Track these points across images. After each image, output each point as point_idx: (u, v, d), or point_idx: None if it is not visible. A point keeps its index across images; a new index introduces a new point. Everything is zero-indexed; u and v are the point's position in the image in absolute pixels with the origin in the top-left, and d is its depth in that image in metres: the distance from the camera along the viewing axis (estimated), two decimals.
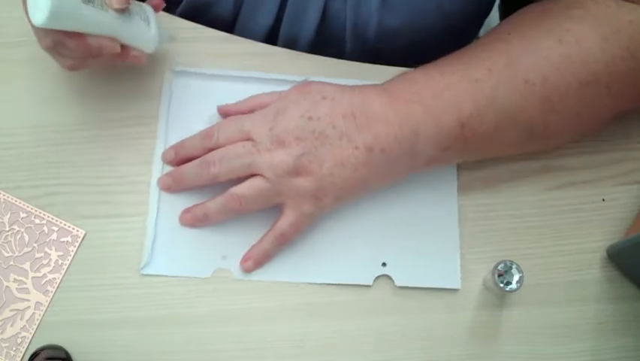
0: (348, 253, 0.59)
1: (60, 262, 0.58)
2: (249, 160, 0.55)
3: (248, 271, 0.58)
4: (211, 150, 0.57)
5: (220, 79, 0.63)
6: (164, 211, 0.59)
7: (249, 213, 0.57)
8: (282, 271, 0.59)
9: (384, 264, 0.59)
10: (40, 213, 0.59)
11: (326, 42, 0.68)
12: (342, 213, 0.59)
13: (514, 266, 0.55)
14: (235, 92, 0.61)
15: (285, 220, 0.57)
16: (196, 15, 0.67)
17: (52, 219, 0.59)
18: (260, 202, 0.56)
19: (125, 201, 0.60)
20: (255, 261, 0.58)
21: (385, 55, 0.66)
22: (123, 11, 0.53)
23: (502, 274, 0.55)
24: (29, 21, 0.51)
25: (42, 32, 0.52)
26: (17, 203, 0.59)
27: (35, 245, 0.58)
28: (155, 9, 0.57)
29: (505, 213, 0.62)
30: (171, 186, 0.59)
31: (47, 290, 0.57)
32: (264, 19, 0.68)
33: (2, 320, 0.57)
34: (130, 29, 0.54)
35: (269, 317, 0.58)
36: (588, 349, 0.59)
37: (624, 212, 0.62)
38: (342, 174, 0.55)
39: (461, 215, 0.61)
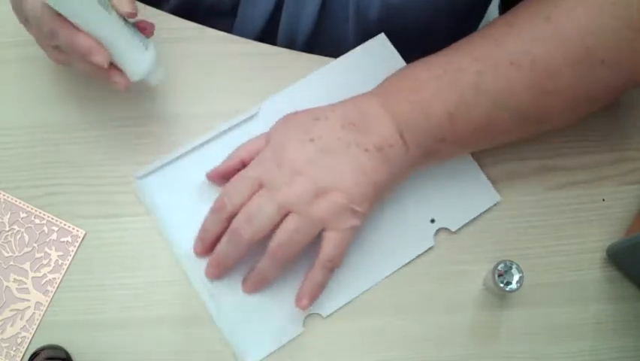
0: (395, 232, 0.60)
1: (60, 262, 0.58)
2: (274, 205, 0.54)
3: (304, 308, 0.57)
4: (231, 218, 0.55)
5: (186, 155, 0.61)
6: (222, 306, 0.57)
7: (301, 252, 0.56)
8: (353, 286, 0.58)
9: (432, 220, 0.60)
10: (40, 213, 0.59)
11: (329, 23, 0.67)
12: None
13: (514, 266, 0.55)
14: (208, 157, 0.60)
15: (329, 244, 0.55)
16: (193, 3, 0.67)
17: (52, 219, 0.59)
18: (303, 239, 0.54)
19: (125, 201, 0.60)
20: (310, 296, 0.56)
21: (390, 36, 0.65)
22: (128, 17, 0.53)
23: (502, 274, 0.55)
24: (20, 14, 0.52)
25: (44, 17, 0.51)
26: (17, 203, 0.59)
27: (35, 245, 0.58)
28: (143, 31, 0.55)
29: (505, 213, 0.62)
30: (218, 273, 0.58)
31: (47, 290, 0.57)
32: (265, 3, 0.67)
33: (2, 320, 0.57)
34: (125, 44, 0.53)
35: None
36: (588, 349, 0.59)
37: (624, 212, 0.62)
38: (366, 180, 0.54)
39: None
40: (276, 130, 0.57)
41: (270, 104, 0.62)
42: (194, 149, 0.61)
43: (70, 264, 0.58)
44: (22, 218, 0.59)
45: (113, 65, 0.54)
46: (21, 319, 0.57)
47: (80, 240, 0.59)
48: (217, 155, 0.60)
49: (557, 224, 0.62)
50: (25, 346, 0.56)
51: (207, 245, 0.57)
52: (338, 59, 0.64)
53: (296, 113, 0.57)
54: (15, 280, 0.58)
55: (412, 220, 0.60)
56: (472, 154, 0.62)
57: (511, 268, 0.55)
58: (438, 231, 0.60)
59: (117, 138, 0.61)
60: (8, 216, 0.59)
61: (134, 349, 0.57)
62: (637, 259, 0.58)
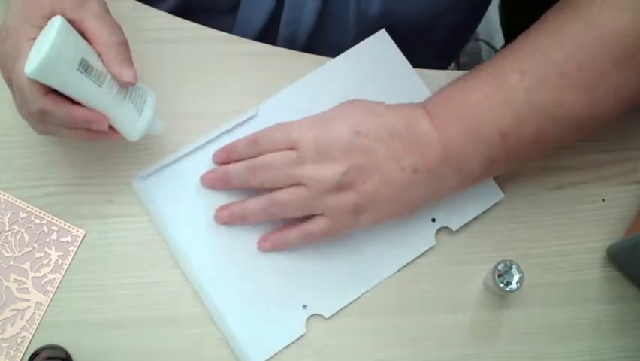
0: (396, 232, 0.60)
1: (60, 262, 0.58)
2: (294, 171, 0.55)
3: (263, 250, 0.58)
4: (257, 156, 0.57)
5: (185, 157, 0.61)
6: (224, 308, 0.58)
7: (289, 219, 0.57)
8: (354, 286, 0.59)
9: (433, 220, 0.60)
10: (40, 213, 0.59)
11: (329, 23, 0.67)
12: None
13: (514, 266, 0.55)
14: (207, 159, 0.60)
15: (318, 224, 0.56)
16: (192, 2, 0.67)
17: (52, 219, 0.59)
18: (299, 211, 0.56)
19: (125, 201, 0.60)
20: (273, 245, 0.58)
21: (393, 32, 0.65)
22: (122, 89, 0.53)
23: (502, 274, 0.55)
24: (15, 90, 0.51)
25: (30, 97, 0.51)
26: (17, 203, 0.59)
27: (35, 245, 0.58)
28: (124, 82, 0.54)
29: (505, 213, 0.62)
30: (216, 184, 0.59)
31: (47, 290, 0.57)
32: (265, 6, 0.67)
33: (2, 320, 0.57)
34: (118, 112, 0.53)
35: None
36: (588, 349, 0.59)
37: (624, 212, 0.62)
38: (385, 194, 0.55)
39: None
40: (338, 107, 0.57)
41: (269, 105, 0.62)
42: (193, 151, 0.61)
43: (70, 264, 0.58)
44: (22, 218, 0.59)
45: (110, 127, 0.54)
46: (21, 319, 0.57)
47: (79, 240, 0.59)
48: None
49: (557, 224, 0.62)
50: (25, 346, 0.56)
51: (227, 161, 0.59)
52: (338, 56, 0.64)
53: (358, 101, 0.57)
54: (15, 280, 0.58)
55: (412, 220, 0.60)
56: None
57: (511, 268, 0.55)
58: (438, 231, 0.60)
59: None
60: (8, 216, 0.59)
61: (134, 349, 0.57)
62: (637, 259, 0.58)
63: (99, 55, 0.52)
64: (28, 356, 0.53)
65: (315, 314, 0.58)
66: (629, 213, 0.62)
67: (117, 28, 0.54)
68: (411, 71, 0.63)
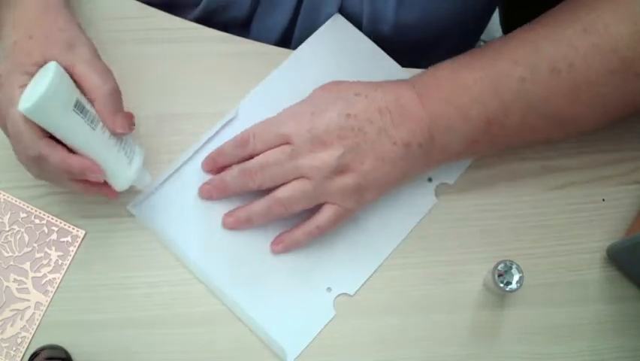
0: (396, 198, 0.61)
1: (60, 262, 0.58)
2: (292, 165, 0.55)
3: (276, 252, 0.59)
4: (249, 157, 0.57)
5: (177, 172, 0.61)
6: (254, 307, 0.58)
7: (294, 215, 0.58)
8: (371, 260, 0.60)
9: (430, 179, 0.62)
10: (40, 213, 0.59)
11: None
12: None
13: (514, 266, 0.55)
14: (195, 170, 0.61)
15: (325, 215, 0.57)
16: (212, 18, 0.67)
17: (52, 219, 0.59)
18: (303, 204, 0.56)
19: (125, 202, 0.60)
20: (286, 246, 0.59)
21: (399, 49, 0.66)
22: (117, 136, 0.53)
23: (502, 274, 0.55)
24: (12, 136, 0.51)
25: (29, 142, 0.51)
26: (17, 203, 0.59)
27: (35, 245, 0.58)
28: (118, 132, 0.54)
29: (505, 213, 0.62)
30: (213, 194, 0.59)
31: (47, 290, 0.57)
32: (280, 16, 0.68)
33: (2, 320, 0.57)
34: (110, 157, 0.53)
35: None
36: (588, 349, 0.59)
37: (624, 212, 0.62)
38: (383, 169, 0.56)
39: (461, 215, 0.61)
40: (318, 95, 0.58)
41: (248, 103, 0.62)
42: (183, 164, 0.61)
43: (70, 264, 0.58)
44: (22, 218, 0.59)
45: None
46: (21, 319, 0.57)
47: (79, 240, 0.59)
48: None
49: (557, 224, 0.62)
50: (25, 346, 0.56)
51: (216, 168, 0.59)
52: (302, 44, 0.65)
53: (339, 82, 0.58)
54: (15, 280, 0.58)
55: (410, 185, 0.61)
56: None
57: (511, 268, 0.55)
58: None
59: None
60: (8, 216, 0.59)
61: (134, 349, 0.57)
62: (637, 259, 0.58)
63: (91, 102, 0.52)
64: (28, 356, 0.53)
65: (342, 294, 0.59)
66: (629, 213, 0.62)
67: (108, 74, 0.53)
68: (375, 47, 0.65)
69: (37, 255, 0.58)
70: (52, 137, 0.51)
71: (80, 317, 0.57)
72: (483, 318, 0.59)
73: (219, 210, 0.60)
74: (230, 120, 0.62)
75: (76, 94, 0.51)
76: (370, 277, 0.59)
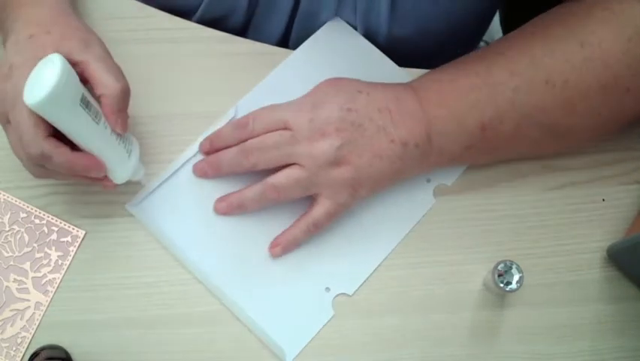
0: (395, 198, 0.61)
1: (60, 262, 0.58)
2: (288, 150, 0.56)
3: (276, 256, 0.59)
4: (247, 139, 0.57)
5: (177, 172, 0.61)
6: (253, 306, 0.58)
7: (292, 212, 0.59)
8: (370, 260, 0.60)
9: (428, 180, 0.62)
10: (40, 213, 0.59)
11: None
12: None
13: (514, 266, 0.55)
14: (191, 172, 0.61)
15: (320, 209, 0.57)
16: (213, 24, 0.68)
17: (52, 219, 0.59)
18: (297, 192, 0.57)
19: (125, 202, 0.60)
20: (284, 247, 0.59)
21: (396, 59, 0.66)
22: (119, 135, 0.54)
23: (502, 274, 0.55)
24: (13, 131, 0.51)
25: (32, 139, 0.50)
26: (17, 203, 0.59)
27: (35, 245, 0.58)
28: (118, 131, 0.54)
29: (505, 213, 0.62)
30: (207, 172, 0.60)
31: (47, 290, 0.57)
32: (275, 30, 0.69)
33: (2, 320, 0.57)
34: (111, 152, 0.54)
35: None
36: (588, 349, 0.59)
37: (624, 212, 0.62)
38: (379, 166, 0.56)
39: (461, 215, 0.62)
40: (322, 87, 0.58)
41: (247, 102, 0.62)
42: (183, 164, 0.61)
43: (70, 264, 0.58)
44: (22, 218, 0.59)
45: None
46: (21, 319, 0.57)
47: (79, 240, 0.59)
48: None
49: (557, 224, 0.62)
50: (25, 346, 0.56)
51: (213, 149, 0.60)
52: (302, 45, 0.65)
53: (342, 79, 0.58)
54: (15, 280, 0.58)
55: (408, 185, 0.61)
56: None
57: (511, 268, 0.55)
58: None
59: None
60: (8, 216, 0.59)
61: (134, 349, 0.57)
62: (637, 259, 0.58)
63: (98, 98, 0.52)
64: (28, 356, 0.53)
65: (341, 294, 0.59)
66: (629, 213, 0.62)
67: (120, 73, 0.54)
68: (373, 48, 0.66)
69: (37, 255, 0.58)
70: (54, 134, 0.51)
71: (80, 317, 0.57)
72: (483, 318, 0.59)
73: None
74: (230, 120, 0.62)
75: (82, 89, 0.51)
76: (369, 277, 0.59)
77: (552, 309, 0.60)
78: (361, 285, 0.59)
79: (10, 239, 0.59)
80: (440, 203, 0.62)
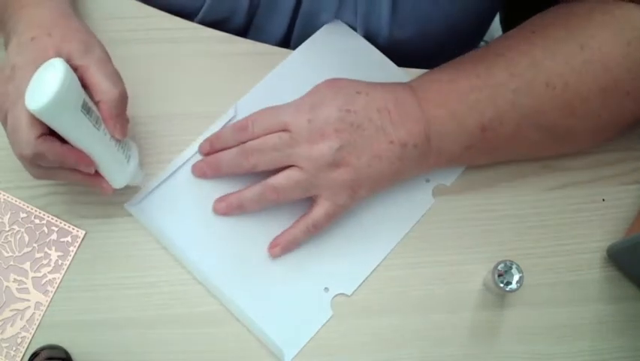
0: (394, 197, 0.61)
1: (60, 262, 0.58)
2: (288, 152, 0.56)
3: (275, 256, 0.59)
4: (247, 142, 0.58)
5: (176, 172, 0.61)
6: (251, 306, 0.58)
7: (291, 212, 0.59)
8: (368, 260, 0.60)
9: (427, 180, 0.62)
10: (40, 213, 0.59)
11: None
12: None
13: (514, 266, 0.55)
14: (190, 172, 0.61)
15: (320, 210, 0.57)
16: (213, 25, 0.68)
17: (52, 219, 0.59)
18: (296, 193, 0.57)
19: (125, 202, 0.60)
20: (283, 248, 0.59)
21: (396, 59, 0.66)
22: (118, 140, 0.54)
23: (502, 274, 0.55)
24: (10, 131, 0.51)
25: (25, 140, 0.50)
26: (17, 203, 0.59)
27: (35, 245, 0.58)
28: (116, 137, 0.54)
29: (505, 213, 0.62)
30: (206, 172, 0.60)
31: (47, 290, 0.58)
32: (276, 31, 0.69)
33: (2, 320, 0.57)
34: (110, 157, 0.54)
35: None
36: (588, 349, 0.59)
37: (624, 212, 0.62)
38: (379, 167, 0.56)
39: (461, 215, 0.61)
40: (320, 89, 0.58)
41: (247, 103, 0.62)
42: (183, 164, 0.61)
43: (70, 264, 0.58)
44: (22, 218, 0.59)
45: (97, 173, 0.55)
46: (21, 319, 0.57)
47: (79, 240, 0.59)
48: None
49: (557, 224, 0.62)
50: (25, 346, 0.56)
51: (213, 151, 0.60)
52: (301, 45, 0.65)
53: (341, 79, 0.58)
54: (15, 280, 0.58)
55: (407, 185, 0.61)
56: None
57: (511, 268, 0.55)
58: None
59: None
60: (8, 216, 0.59)
61: (134, 349, 0.57)
62: (637, 259, 0.58)
63: (97, 104, 0.53)
64: (28, 356, 0.53)
65: (339, 294, 0.59)
66: (629, 213, 0.62)
67: (119, 79, 0.54)
68: (372, 49, 0.66)
69: (37, 255, 0.58)
70: (48, 132, 0.51)
71: (80, 317, 0.57)
72: (483, 318, 0.59)
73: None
74: (230, 120, 0.62)
75: (83, 94, 0.51)
76: (368, 277, 0.59)
77: (552, 309, 0.60)
78: (360, 285, 0.59)
79: (10, 239, 0.59)
80: (439, 203, 0.62)
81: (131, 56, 0.64)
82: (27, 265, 0.58)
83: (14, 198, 0.60)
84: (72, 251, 0.58)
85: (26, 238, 0.59)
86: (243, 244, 0.59)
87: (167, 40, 0.65)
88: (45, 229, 0.59)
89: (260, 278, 0.59)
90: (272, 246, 0.59)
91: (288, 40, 0.70)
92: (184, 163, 0.61)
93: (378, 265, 0.60)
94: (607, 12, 0.57)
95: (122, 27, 0.65)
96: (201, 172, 0.60)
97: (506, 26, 0.94)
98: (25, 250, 0.58)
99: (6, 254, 0.58)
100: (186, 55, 0.65)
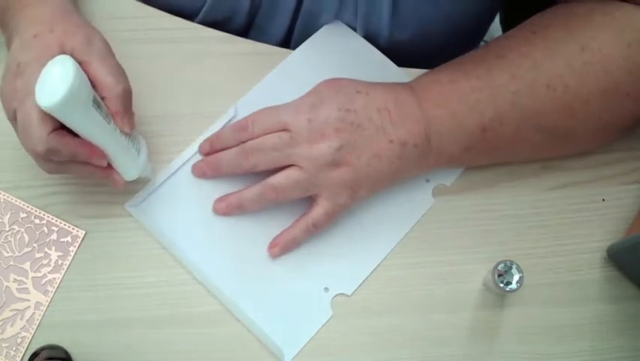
0: (394, 197, 0.61)
1: (60, 262, 0.58)
2: (288, 152, 0.56)
3: (275, 256, 0.59)
4: (246, 141, 0.58)
5: (176, 172, 0.61)
6: (252, 306, 0.58)
7: (291, 212, 0.59)
8: (368, 260, 0.60)
9: (427, 180, 0.62)
10: (40, 213, 0.59)
11: None
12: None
13: (514, 266, 0.55)
14: (190, 172, 0.61)
15: (320, 210, 0.57)
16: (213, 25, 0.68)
17: (52, 219, 0.59)
18: (296, 193, 0.57)
19: (125, 202, 0.60)
20: (283, 247, 0.59)
21: (397, 59, 0.66)
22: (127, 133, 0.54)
23: (502, 274, 0.55)
24: (21, 127, 0.51)
25: (37, 136, 0.50)
26: (17, 203, 0.59)
27: (35, 245, 0.58)
28: (126, 131, 0.55)
29: (505, 213, 0.62)
30: (206, 172, 0.60)
31: (47, 290, 0.58)
32: (276, 32, 0.69)
33: (2, 320, 0.57)
34: (122, 150, 0.54)
35: None
36: (588, 349, 0.59)
37: (624, 212, 0.62)
38: (378, 166, 0.56)
39: (461, 215, 0.61)
40: (320, 89, 0.58)
41: (246, 103, 0.63)
42: (183, 165, 0.61)
43: (70, 264, 0.58)
44: (22, 218, 0.59)
45: (109, 165, 0.55)
46: (21, 319, 0.57)
47: (79, 240, 0.59)
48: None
49: (557, 224, 0.62)
50: (25, 346, 0.56)
51: (213, 151, 0.60)
52: (301, 45, 0.66)
53: (341, 79, 0.58)
54: (15, 280, 0.58)
55: (407, 185, 0.61)
56: None
57: (511, 268, 0.55)
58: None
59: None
60: (8, 216, 0.59)
61: (134, 349, 0.57)
62: (637, 259, 0.58)
63: (102, 99, 0.53)
64: (28, 356, 0.53)
65: (339, 294, 0.59)
66: (629, 213, 0.62)
67: (122, 73, 0.54)
68: (372, 49, 0.66)
69: (37, 255, 0.58)
70: (59, 128, 0.51)
71: (80, 317, 0.57)
72: (483, 318, 0.59)
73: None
74: (230, 120, 0.62)
75: (92, 90, 0.51)
76: (368, 277, 0.59)
77: (552, 309, 0.60)
78: (360, 285, 0.59)
79: (10, 239, 0.59)
80: (439, 203, 0.62)
81: (131, 56, 0.63)
82: (27, 265, 0.58)
83: (14, 198, 0.60)
84: (72, 251, 0.59)
85: (26, 238, 0.59)
86: (243, 244, 0.59)
87: (167, 40, 0.65)
88: (45, 229, 0.59)
89: (260, 278, 0.59)
90: (271, 246, 0.59)
91: (289, 41, 0.70)
92: (184, 163, 0.61)
93: (378, 265, 0.60)
94: (607, 13, 0.57)
95: (122, 27, 0.65)
96: (201, 172, 0.60)
97: (506, 26, 0.94)
98: (25, 250, 0.58)
99: (6, 254, 0.58)
100: (186, 55, 0.65)
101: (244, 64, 0.65)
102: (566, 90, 0.56)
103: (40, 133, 0.50)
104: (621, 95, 0.56)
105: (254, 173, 0.58)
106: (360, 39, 0.66)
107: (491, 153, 0.59)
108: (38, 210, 0.59)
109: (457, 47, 0.68)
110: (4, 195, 0.60)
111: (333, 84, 0.58)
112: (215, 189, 0.60)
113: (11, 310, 0.57)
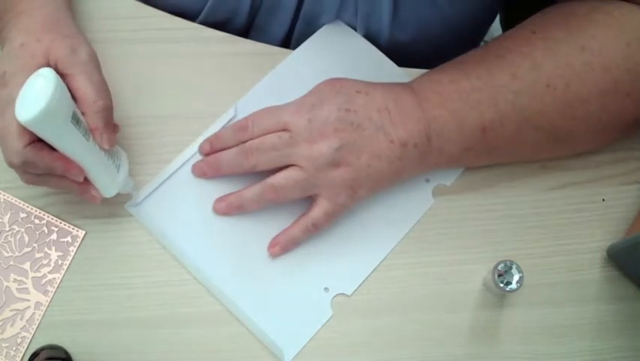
0: (394, 198, 0.61)
1: (60, 262, 0.58)
2: (287, 151, 0.56)
3: (274, 255, 0.59)
4: (246, 141, 0.58)
5: (177, 172, 0.61)
6: (251, 305, 0.58)
7: (292, 212, 0.59)
8: (368, 260, 0.60)
9: (427, 180, 0.62)
10: (40, 213, 0.59)
11: None
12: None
13: (514, 266, 0.55)
14: (190, 172, 0.61)
15: (320, 210, 0.57)
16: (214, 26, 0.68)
17: (52, 219, 0.59)
18: (296, 193, 0.57)
19: (125, 202, 0.60)
20: (283, 247, 0.59)
21: (397, 60, 0.66)
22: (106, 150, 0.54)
23: (502, 274, 0.55)
24: (1, 140, 0.51)
25: (14, 148, 0.51)
26: (17, 203, 0.59)
27: (35, 245, 0.58)
28: (104, 148, 0.54)
29: (505, 213, 0.62)
30: (206, 172, 0.60)
31: (47, 290, 0.58)
32: (277, 32, 0.69)
33: (2, 320, 0.57)
34: (100, 166, 0.54)
35: None
36: (588, 349, 0.59)
37: (624, 212, 0.62)
38: (378, 166, 0.56)
39: (461, 215, 0.61)
40: (320, 89, 0.58)
41: (247, 102, 0.63)
42: (183, 164, 0.61)
43: (70, 264, 0.58)
44: (22, 218, 0.59)
45: (87, 180, 0.55)
46: (21, 319, 0.57)
47: (79, 240, 0.59)
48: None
49: (557, 224, 0.62)
50: (25, 346, 0.56)
51: (213, 151, 0.60)
52: (301, 45, 0.66)
53: (341, 79, 0.58)
54: (15, 280, 0.58)
55: (407, 185, 0.61)
56: None
57: (511, 268, 0.55)
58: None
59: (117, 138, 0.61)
60: (8, 216, 0.59)
61: (134, 349, 0.57)
62: (637, 259, 0.58)
63: (83, 114, 0.52)
64: (28, 356, 0.53)
65: (339, 294, 0.59)
66: (630, 213, 0.62)
67: (104, 89, 0.54)
68: (372, 48, 0.66)
69: (37, 255, 0.58)
70: (37, 141, 0.51)
71: (80, 317, 0.57)
72: (483, 318, 0.59)
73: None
74: (230, 120, 0.62)
75: (72, 105, 0.51)
76: (368, 277, 0.59)
77: (552, 309, 0.60)
78: (360, 285, 0.59)
79: (10, 239, 0.59)
80: (439, 203, 0.62)
81: (131, 56, 0.64)
82: (27, 265, 0.58)
83: (14, 198, 0.60)
84: (72, 251, 0.59)
85: (26, 238, 0.59)
86: (243, 244, 0.59)
87: (167, 40, 0.65)
88: (45, 229, 0.59)
89: (260, 278, 0.59)
90: (271, 245, 0.59)
91: (289, 41, 0.70)
92: (184, 163, 0.61)
93: (378, 265, 0.60)
94: (607, 13, 0.57)
95: (122, 27, 0.65)
96: (201, 172, 0.60)
97: (506, 26, 0.94)
98: (25, 250, 0.58)
99: (6, 254, 0.58)
100: (186, 55, 0.65)
101: (244, 64, 0.65)
102: (566, 90, 0.56)
103: (16, 145, 0.50)
104: (621, 95, 0.56)
105: (254, 173, 0.58)
106: (361, 39, 0.66)
107: (491, 153, 0.59)
108: (38, 210, 0.59)
109: (457, 48, 0.68)
110: (4, 195, 0.60)
111: (333, 84, 0.58)
112: (215, 189, 0.60)
113: (11, 310, 0.57)
